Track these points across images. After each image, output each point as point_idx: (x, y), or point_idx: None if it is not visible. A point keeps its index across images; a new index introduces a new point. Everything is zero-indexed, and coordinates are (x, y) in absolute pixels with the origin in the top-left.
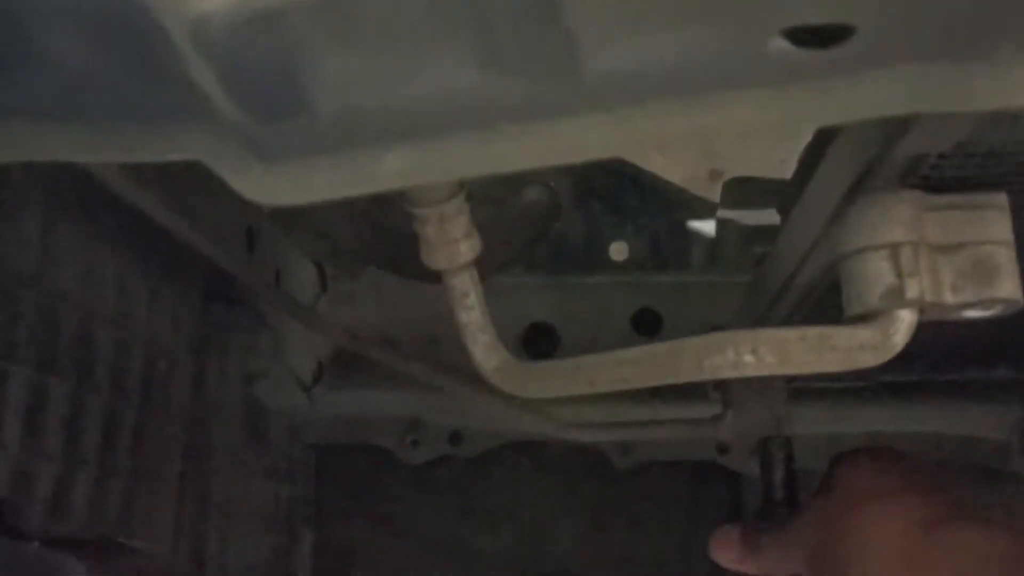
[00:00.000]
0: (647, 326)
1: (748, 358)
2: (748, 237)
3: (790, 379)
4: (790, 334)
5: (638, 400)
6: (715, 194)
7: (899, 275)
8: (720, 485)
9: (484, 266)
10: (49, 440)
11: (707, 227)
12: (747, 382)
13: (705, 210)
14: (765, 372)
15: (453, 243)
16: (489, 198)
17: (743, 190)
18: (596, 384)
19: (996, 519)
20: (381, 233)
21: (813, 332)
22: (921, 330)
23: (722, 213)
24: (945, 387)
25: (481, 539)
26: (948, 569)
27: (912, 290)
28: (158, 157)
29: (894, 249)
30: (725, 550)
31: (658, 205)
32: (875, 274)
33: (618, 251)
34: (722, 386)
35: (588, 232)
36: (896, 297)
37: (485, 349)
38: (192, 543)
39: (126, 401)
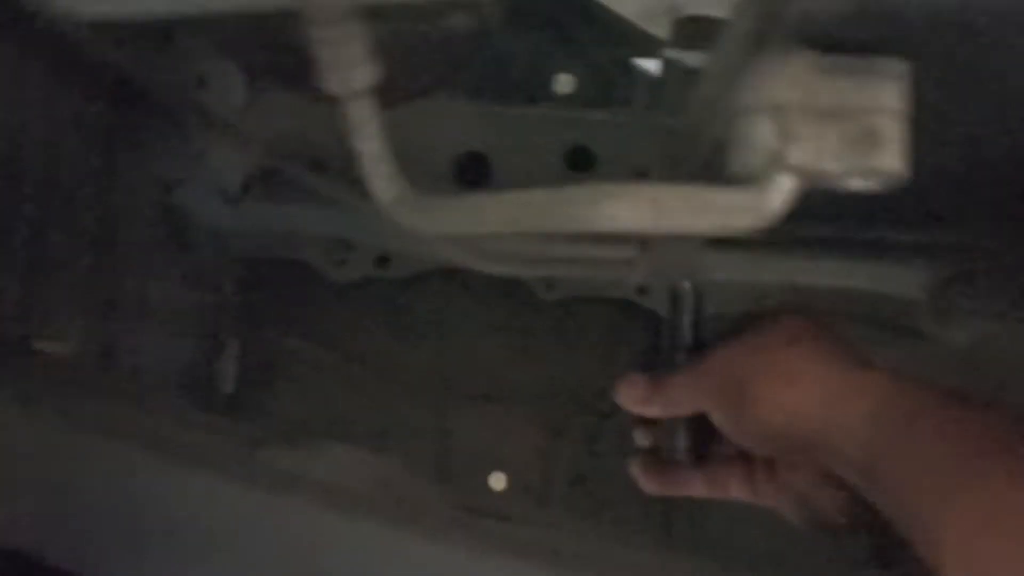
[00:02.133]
0: (580, 163)
1: (623, 212)
2: (692, 81)
3: None
4: (668, 191)
5: (564, 238)
6: (665, 31)
7: (782, 139)
8: (641, 324)
9: (399, 91)
10: None
11: (653, 66)
12: None
13: (654, 48)
14: (640, 227)
15: (349, 68)
16: (408, 21)
17: (693, 30)
18: (486, 224)
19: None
20: (285, 50)
21: (691, 190)
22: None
23: (669, 53)
24: (860, 245)
25: (407, 357)
26: (862, 412)
27: (793, 156)
28: None
29: (780, 111)
30: (630, 392)
31: (607, 39)
32: (758, 136)
33: (563, 83)
34: None
35: (534, 60)
36: (777, 161)
37: (383, 180)
38: (101, 344)
39: (20, 192)
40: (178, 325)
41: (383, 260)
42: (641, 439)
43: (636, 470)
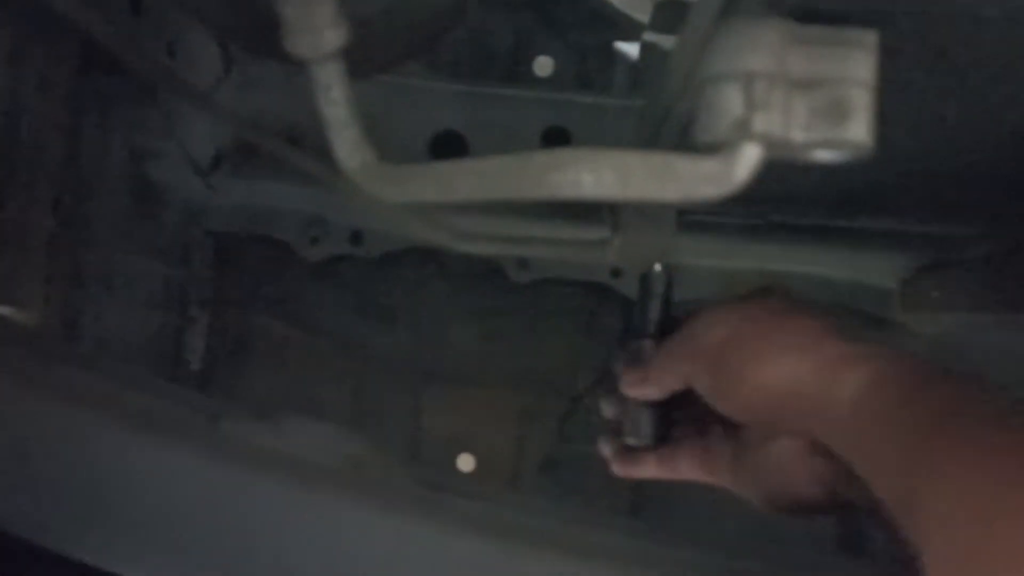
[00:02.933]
0: (556, 145)
1: (587, 177)
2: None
3: (682, 210)
4: (633, 158)
5: (538, 217)
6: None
7: (749, 107)
8: (614, 308)
9: (369, 61)
10: None
11: (633, 50)
12: (640, 209)
13: (634, 32)
14: (605, 194)
15: (316, 30)
16: None
17: (673, 14)
18: (453, 192)
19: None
20: (249, 10)
21: (656, 158)
22: (811, 175)
23: (647, 36)
24: (834, 233)
25: (378, 336)
26: (853, 383)
27: (759, 124)
28: None
29: (749, 79)
30: (631, 380)
31: (590, 22)
32: (725, 103)
33: (542, 66)
34: (614, 211)
35: (515, 42)
36: (742, 129)
37: (349, 147)
38: (64, 313)
39: None
40: (145, 298)
41: (357, 237)
42: (608, 411)
43: (606, 452)
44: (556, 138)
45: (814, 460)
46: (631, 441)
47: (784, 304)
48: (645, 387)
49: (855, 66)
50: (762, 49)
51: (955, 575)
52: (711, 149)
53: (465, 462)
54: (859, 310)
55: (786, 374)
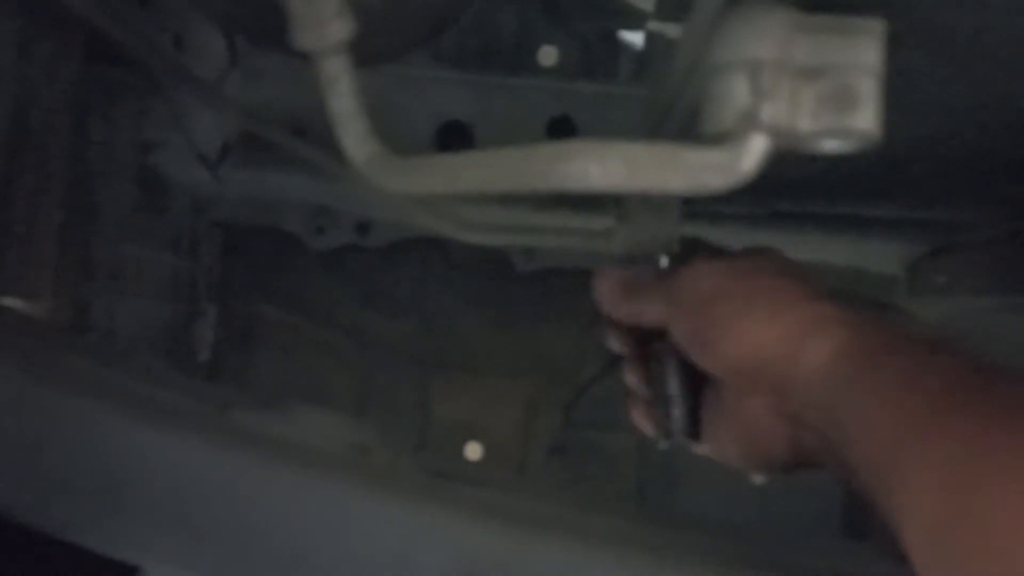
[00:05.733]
0: (563, 134)
1: (595, 169)
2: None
3: (687, 200)
4: (639, 148)
5: (543, 207)
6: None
7: (756, 96)
8: None
9: (374, 51)
10: None
11: (637, 39)
12: (645, 199)
13: (638, 21)
14: (612, 185)
15: (322, 22)
16: None
17: (677, 2)
18: (457, 183)
19: None
20: (255, 3)
21: (662, 148)
22: (816, 164)
23: (652, 26)
24: (840, 220)
25: (385, 325)
26: (825, 349)
27: (767, 113)
28: None
29: (755, 68)
30: (605, 284)
31: (594, 11)
32: (732, 93)
33: (547, 55)
34: (619, 201)
35: (519, 32)
36: (749, 119)
37: (356, 139)
38: (74, 304)
39: None
40: (154, 289)
41: (363, 228)
42: (632, 381)
43: (638, 419)
44: (561, 127)
45: (783, 421)
46: (662, 441)
47: (773, 264)
48: (619, 307)
49: (862, 54)
50: (768, 38)
51: (933, 543)
52: (718, 139)
53: (473, 450)
54: (863, 297)
55: (759, 334)
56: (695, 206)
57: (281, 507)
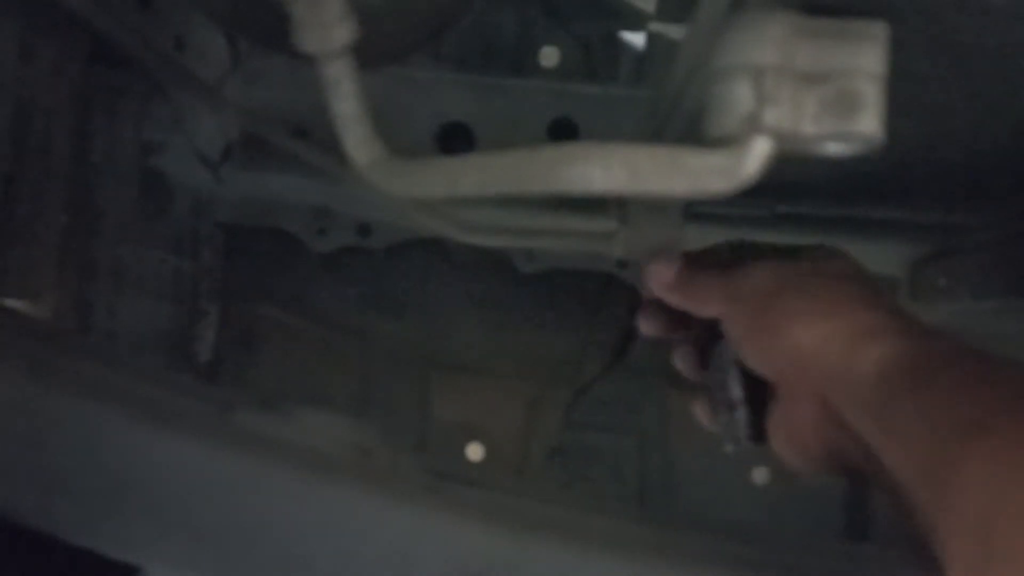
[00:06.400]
0: (564, 136)
1: (597, 172)
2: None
3: (689, 202)
4: (641, 151)
5: (545, 209)
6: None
7: (759, 100)
8: (620, 297)
9: (376, 53)
10: None
11: (639, 40)
12: (647, 202)
13: (640, 22)
14: (614, 188)
15: (325, 26)
16: None
17: (678, 3)
18: (462, 187)
19: None
20: (258, 6)
21: (665, 151)
22: (817, 166)
23: (654, 27)
24: (841, 222)
25: (386, 327)
26: (878, 355)
27: (770, 117)
28: None
29: (758, 72)
30: (660, 275)
31: (595, 12)
32: (735, 97)
33: (548, 56)
34: (620, 203)
35: (520, 33)
36: (753, 123)
37: (359, 142)
38: (76, 305)
39: None
40: (156, 290)
41: (365, 229)
42: (683, 368)
43: (701, 414)
44: (563, 129)
45: (827, 426)
46: (729, 445)
47: (835, 267)
48: (673, 294)
49: (864, 58)
50: (771, 42)
51: (979, 543)
52: (720, 142)
53: (474, 451)
54: None
55: (813, 338)
56: (696, 208)
57: (282, 508)
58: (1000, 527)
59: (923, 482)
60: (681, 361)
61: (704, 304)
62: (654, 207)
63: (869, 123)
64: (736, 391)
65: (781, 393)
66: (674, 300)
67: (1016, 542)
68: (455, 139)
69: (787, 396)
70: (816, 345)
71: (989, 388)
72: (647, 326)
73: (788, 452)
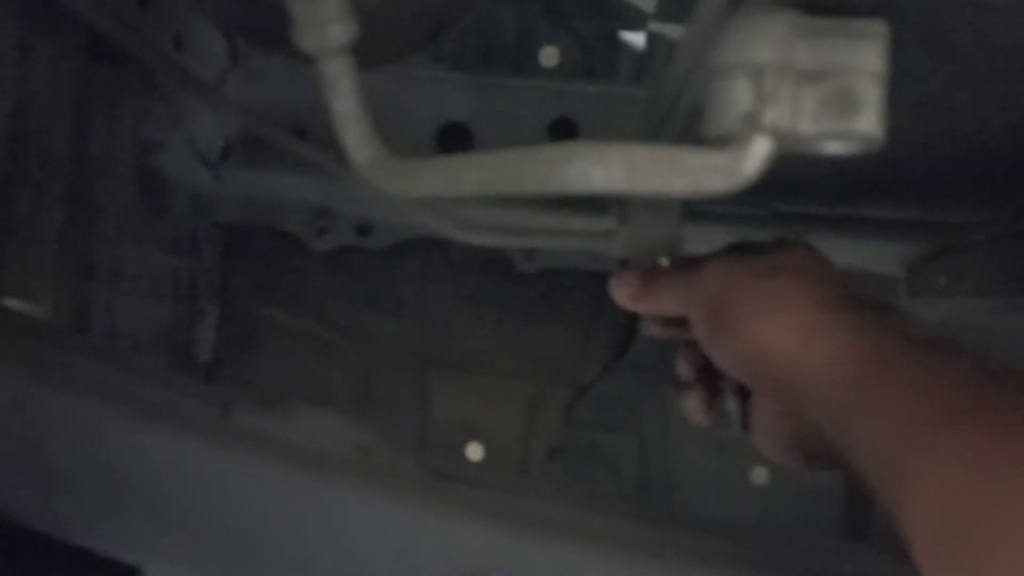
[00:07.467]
0: (564, 135)
1: (596, 171)
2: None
3: (687, 201)
4: (640, 150)
5: (545, 208)
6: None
7: (758, 99)
8: None
9: (375, 52)
10: None
11: (638, 39)
12: (646, 201)
13: (639, 21)
14: (614, 187)
15: (324, 24)
16: None
17: (678, 2)
18: (461, 186)
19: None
20: (256, 5)
21: (664, 150)
22: (817, 165)
23: (653, 26)
24: (840, 221)
25: (386, 326)
26: (831, 352)
27: (769, 116)
28: None
29: (758, 71)
30: (623, 287)
31: (595, 12)
32: (734, 96)
33: (548, 56)
34: (620, 202)
35: (520, 33)
36: (751, 122)
37: (358, 141)
38: (75, 305)
39: None
40: (155, 290)
41: (364, 229)
42: (683, 370)
43: (691, 409)
44: (563, 128)
45: (792, 421)
46: (723, 421)
47: (794, 262)
48: (639, 303)
49: (864, 57)
50: (770, 41)
51: (939, 548)
52: (719, 141)
53: (474, 451)
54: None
55: (765, 337)
56: (696, 207)
57: (282, 507)
58: (958, 537)
59: (880, 481)
60: (683, 359)
61: (669, 308)
62: (653, 206)
63: (868, 122)
64: (727, 383)
65: (752, 389)
66: (642, 308)
67: (974, 550)
68: (455, 139)
69: (756, 392)
70: (768, 344)
71: (941, 384)
72: (648, 325)
73: (765, 445)
